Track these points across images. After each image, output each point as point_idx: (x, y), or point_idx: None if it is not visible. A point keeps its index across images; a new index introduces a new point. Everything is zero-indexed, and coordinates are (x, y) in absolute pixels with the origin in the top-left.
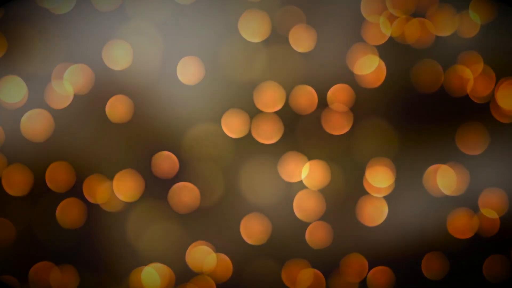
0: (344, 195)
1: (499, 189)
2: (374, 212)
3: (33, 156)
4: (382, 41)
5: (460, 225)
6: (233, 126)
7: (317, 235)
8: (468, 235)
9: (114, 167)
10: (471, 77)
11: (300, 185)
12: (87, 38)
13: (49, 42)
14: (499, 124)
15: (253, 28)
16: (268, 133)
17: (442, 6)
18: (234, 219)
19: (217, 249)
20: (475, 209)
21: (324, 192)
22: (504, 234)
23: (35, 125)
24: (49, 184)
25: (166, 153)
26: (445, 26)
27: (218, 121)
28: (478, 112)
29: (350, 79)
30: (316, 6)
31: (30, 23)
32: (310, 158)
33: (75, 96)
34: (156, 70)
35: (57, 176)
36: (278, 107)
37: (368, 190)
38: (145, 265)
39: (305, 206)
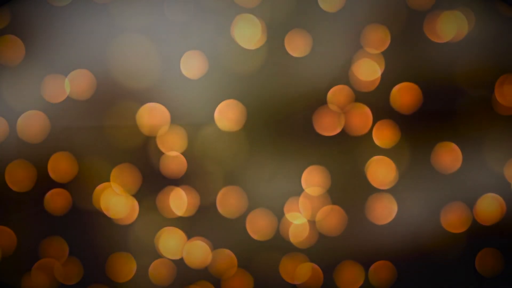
0: (346, 193)
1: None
2: (380, 210)
3: (34, 153)
4: (380, 43)
5: (456, 220)
6: (235, 124)
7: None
8: (462, 229)
9: (114, 165)
10: (470, 75)
11: (303, 184)
12: (87, 34)
13: (48, 37)
14: (500, 122)
15: (248, 32)
16: (270, 132)
17: (440, 7)
18: (237, 216)
19: (220, 246)
20: (471, 205)
21: (326, 190)
22: (499, 228)
23: (34, 122)
24: (52, 175)
25: (171, 151)
26: (444, 26)
27: (219, 119)
28: (479, 111)
29: (347, 81)
30: (312, 10)
31: (30, 18)
32: (311, 157)
33: (75, 93)
34: (157, 67)
35: (60, 167)
36: (280, 108)
37: (370, 188)
38: (148, 263)
39: (308, 206)
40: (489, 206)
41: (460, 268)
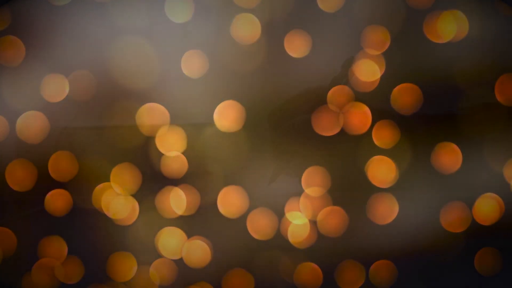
0: (347, 194)
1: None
2: (380, 210)
3: (34, 153)
4: (380, 44)
5: (455, 220)
6: (235, 124)
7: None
8: (462, 229)
9: (114, 165)
10: (470, 75)
11: (303, 184)
12: (87, 34)
13: (49, 37)
14: (500, 122)
15: (248, 33)
16: (270, 132)
17: (440, 7)
18: (238, 216)
19: (220, 245)
20: (470, 205)
21: (326, 190)
22: (498, 228)
23: (34, 122)
24: (52, 175)
25: (170, 151)
26: (444, 26)
27: (219, 120)
28: (479, 111)
29: (346, 82)
30: (311, 10)
31: (30, 18)
32: (310, 157)
33: (75, 93)
34: (157, 67)
35: (60, 167)
36: (280, 108)
37: (371, 188)
38: (148, 263)
39: (308, 206)
40: (488, 206)
41: (459, 267)
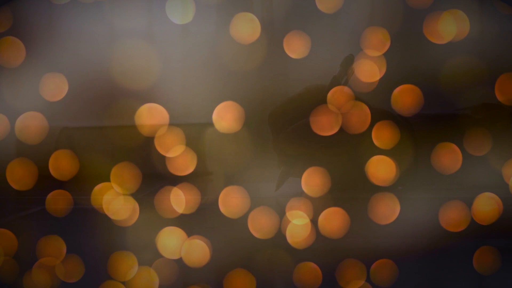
0: (347, 194)
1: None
2: (381, 210)
3: (34, 152)
4: (379, 45)
5: (455, 220)
6: (235, 124)
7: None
8: (461, 228)
9: (114, 164)
10: (470, 75)
11: (303, 184)
12: (87, 34)
13: (49, 37)
14: (500, 122)
15: (248, 33)
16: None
17: (440, 7)
18: (239, 215)
19: (221, 245)
20: (470, 205)
21: (327, 190)
22: (497, 227)
23: (34, 122)
24: (52, 175)
25: (170, 151)
26: (444, 26)
27: (219, 120)
28: (479, 111)
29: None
30: (310, 11)
31: (31, 18)
32: (312, 158)
33: (75, 93)
34: (157, 67)
35: (60, 167)
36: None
37: (372, 188)
38: (149, 262)
39: (309, 206)
40: (487, 206)
41: (458, 267)
